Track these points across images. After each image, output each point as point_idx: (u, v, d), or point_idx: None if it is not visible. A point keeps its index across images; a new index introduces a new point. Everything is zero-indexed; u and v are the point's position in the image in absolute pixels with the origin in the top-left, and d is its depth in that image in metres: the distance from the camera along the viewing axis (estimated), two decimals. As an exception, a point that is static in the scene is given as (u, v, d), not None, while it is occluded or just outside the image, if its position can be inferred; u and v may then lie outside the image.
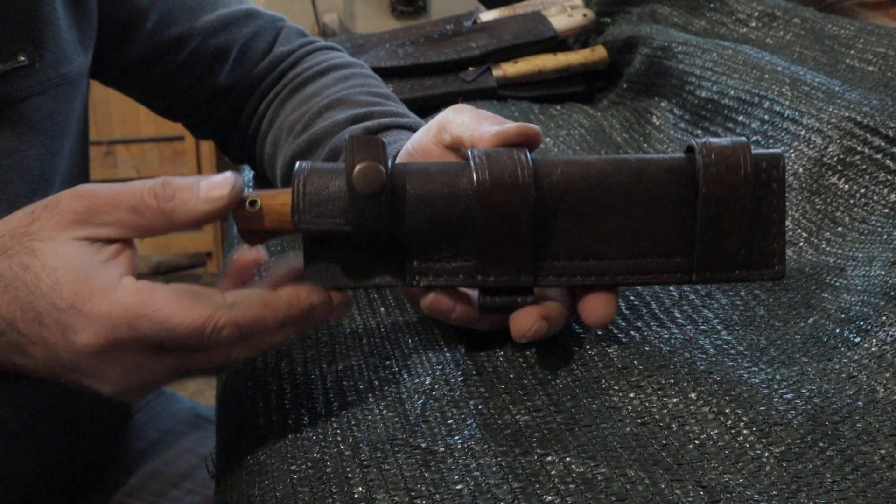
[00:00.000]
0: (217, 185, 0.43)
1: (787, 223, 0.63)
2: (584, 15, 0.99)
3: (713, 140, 0.46)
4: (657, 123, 0.82)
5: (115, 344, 0.41)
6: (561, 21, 0.98)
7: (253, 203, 0.44)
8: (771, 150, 0.47)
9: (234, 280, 0.47)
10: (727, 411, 0.43)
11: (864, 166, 0.61)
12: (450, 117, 0.50)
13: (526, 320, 0.46)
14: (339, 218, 0.43)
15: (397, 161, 0.53)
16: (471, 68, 0.95)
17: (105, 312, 0.40)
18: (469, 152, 0.45)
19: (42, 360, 0.43)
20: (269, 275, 0.47)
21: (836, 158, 0.63)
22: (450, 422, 0.45)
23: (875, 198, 0.60)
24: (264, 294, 0.43)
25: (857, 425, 0.42)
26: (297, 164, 0.44)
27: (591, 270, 0.46)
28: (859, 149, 0.62)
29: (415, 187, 0.44)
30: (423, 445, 0.43)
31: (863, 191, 0.61)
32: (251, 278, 0.47)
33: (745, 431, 0.42)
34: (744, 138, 0.46)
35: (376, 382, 0.48)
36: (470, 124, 0.49)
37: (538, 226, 0.45)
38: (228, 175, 0.44)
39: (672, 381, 0.46)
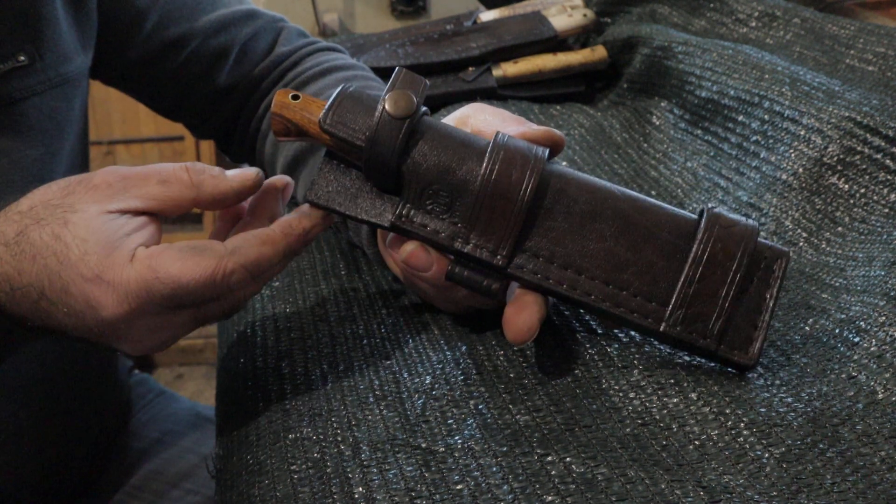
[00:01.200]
0: (245, 171, 0.47)
1: (787, 223, 0.63)
2: (584, 15, 0.99)
3: (726, 211, 0.46)
4: (657, 123, 0.82)
5: (135, 312, 0.43)
6: (561, 21, 0.98)
7: (295, 97, 0.48)
8: (779, 247, 0.47)
9: (229, 220, 0.50)
10: (727, 412, 0.43)
11: (864, 166, 0.61)
12: (469, 113, 0.52)
13: (526, 327, 0.45)
14: (358, 132, 0.46)
15: None
16: (471, 68, 0.95)
17: (123, 284, 0.43)
18: (496, 136, 0.46)
19: (71, 325, 0.45)
20: (251, 209, 0.50)
21: (836, 158, 0.63)
22: (450, 422, 0.45)
23: (875, 198, 0.60)
24: (260, 233, 0.46)
25: (857, 427, 0.42)
26: (344, 84, 0.48)
27: (565, 279, 0.46)
28: (859, 149, 0.62)
29: (435, 134, 0.47)
30: (424, 445, 0.43)
31: (863, 191, 0.61)
32: (243, 215, 0.50)
33: (745, 432, 0.42)
34: (755, 224, 0.46)
35: (377, 382, 0.48)
36: (493, 122, 0.51)
37: (532, 214, 0.46)
38: (255, 168, 0.47)
39: (672, 381, 0.46)
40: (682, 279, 0.45)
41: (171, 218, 0.47)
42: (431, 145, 0.46)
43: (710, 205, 0.48)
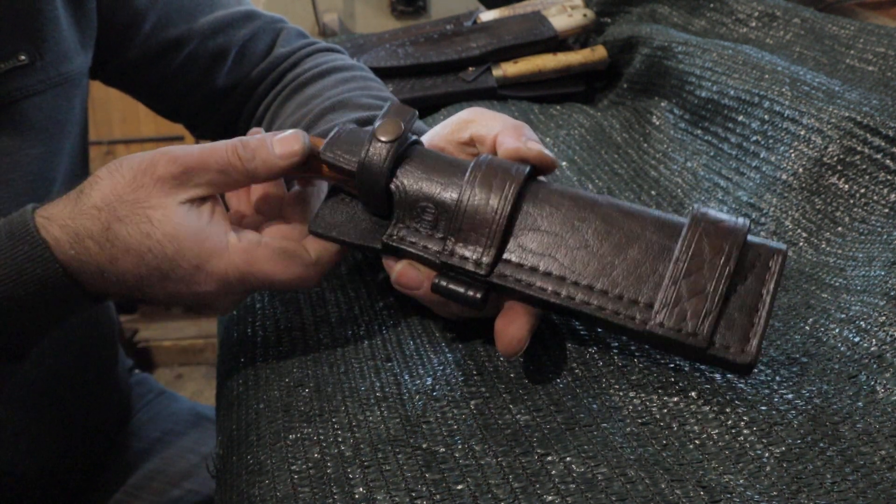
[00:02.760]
0: (288, 141, 0.50)
1: (787, 223, 0.63)
2: (584, 15, 0.99)
3: (714, 210, 0.46)
4: (657, 123, 0.82)
5: (228, 290, 0.49)
6: (561, 21, 0.98)
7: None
8: (774, 244, 0.45)
9: (263, 210, 0.54)
10: (728, 410, 0.43)
11: (864, 166, 0.61)
12: (471, 118, 0.53)
13: (517, 339, 0.46)
14: (352, 158, 0.49)
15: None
16: (471, 68, 0.95)
17: (223, 271, 0.48)
18: (478, 157, 0.49)
19: (163, 298, 0.50)
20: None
21: (836, 158, 0.63)
22: (451, 422, 0.45)
23: (875, 198, 0.60)
24: (338, 245, 0.51)
25: (858, 426, 0.42)
26: (343, 123, 0.53)
27: (548, 286, 0.46)
28: (859, 149, 0.62)
29: (422, 156, 0.50)
30: (424, 446, 0.43)
31: (863, 191, 0.61)
32: (274, 208, 0.54)
33: (745, 431, 0.42)
34: (745, 220, 0.45)
35: (377, 384, 0.48)
36: (494, 127, 0.51)
37: (513, 226, 0.47)
38: (296, 131, 0.51)
39: (672, 379, 0.46)
40: (667, 276, 0.45)
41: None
42: (418, 165, 0.49)
43: (696, 205, 0.47)
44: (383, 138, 0.49)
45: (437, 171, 0.49)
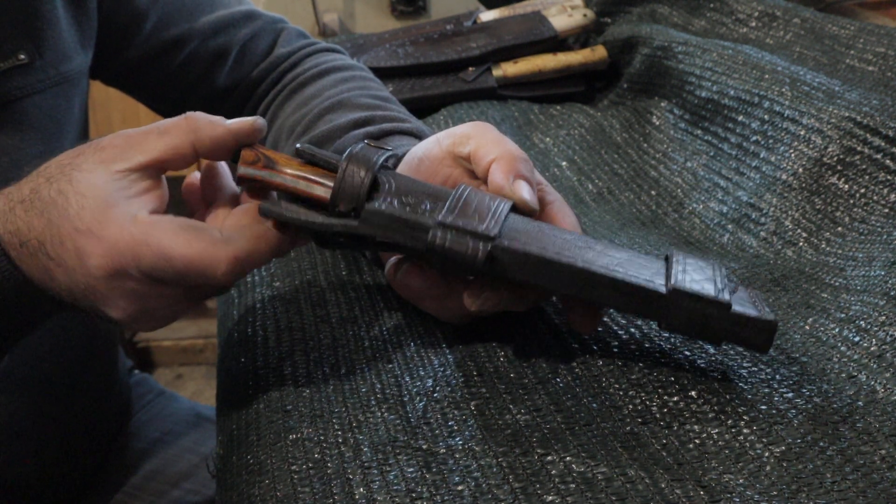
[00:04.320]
0: (243, 118, 0.48)
1: (787, 223, 0.63)
2: (584, 15, 0.99)
3: (687, 288, 0.43)
4: (657, 123, 0.82)
5: (119, 271, 0.44)
6: (561, 21, 0.98)
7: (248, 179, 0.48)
8: (764, 318, 0.43)
9: (206, 194, 0.50)
10: (728, 410, 0.43)
11: (864, 166, 0.61)
12: (472, 133, 0.51)
13: (475, 290, 0.46)
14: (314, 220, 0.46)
15: (401, 166, 0.53)
16: (471, 68, 0.95)
17: (114, 240, 0.43)
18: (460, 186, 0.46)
19: (64, 284, 0.46)
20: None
21: (836, 158, 0.63)
22: (451, 423, 0.45)
23: (875, 198, 0.60)
24: (256, 227, 0.46)
25: (858, 425, 0.42)
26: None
27: (563, 256, 0.44)
28: (859, 149, 0.62)
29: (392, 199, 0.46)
30: (425, 447, 0.43)
31: (863, 191, 0.61)
32: (220, 194, 0.50)
33: (745, 431, 0.42)
34: (727, 300, 0.43)
35: (378, 385, 0.48)
36: (491, 152, 0.49)
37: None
38: (255, 116, 0.48)
39: (672, 378, 0.46)
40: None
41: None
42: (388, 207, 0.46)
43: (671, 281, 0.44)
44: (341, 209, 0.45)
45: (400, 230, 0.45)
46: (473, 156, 0.50)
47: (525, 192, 0.47)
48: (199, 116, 0.47)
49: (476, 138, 0.50)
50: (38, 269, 0.46)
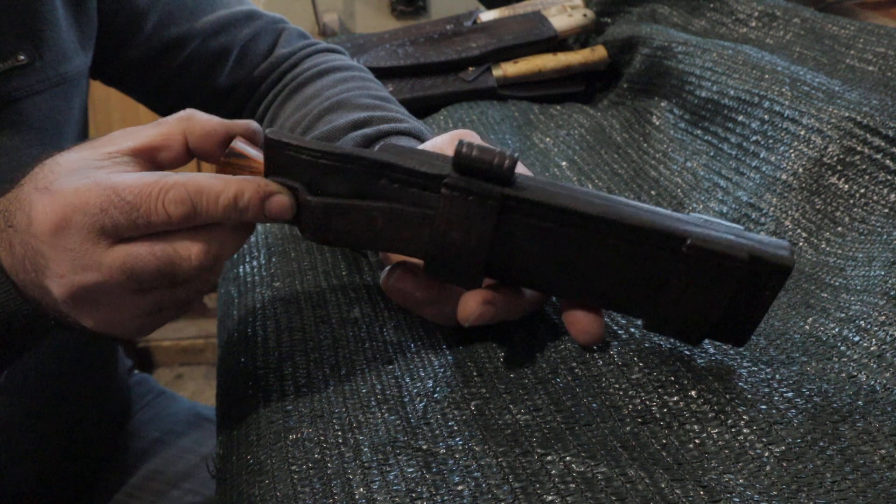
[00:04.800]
0: (237, 121, 0.46)
1: (787, 223, 0.63)
2: (584, 15, 0.99)
3: (708, 236, 0.42)
4: (657, 123, 0.82)
5: (63, 224, 0.40)
6: (561, 21, 0.98)
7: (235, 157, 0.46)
8: (781, 254, 0.42)
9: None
10: (728, 410, 0.43)
11: (864, 166, 0.61)
12: (463, 135, 0.51)
13: (472, 302, 0.46)
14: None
15: None
16: (471, 68, 0.95)
17: (63, 191, 0.40)
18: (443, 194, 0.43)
19: (20, 256, 0.42)
20: None
21: (836, 158, 0.63)
22: (451, 423, 0.45)
23: (875, 198, 0.60)
24: (214, 173, 0.43)
25: (858, 425, 0.42)
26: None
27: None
28: (859, 149, 0.62)
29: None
30: (425, 447, 0.43)
31: (863, 191, 0.61)
32: None
33: (745, 430, 0.42)
34: (747, 245, 0.42)
35: (378, 386, 0.48)
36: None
37: (489, 265, 0.45)
38: (248, 120, 0.46)
39: (672, 378, 0.46)
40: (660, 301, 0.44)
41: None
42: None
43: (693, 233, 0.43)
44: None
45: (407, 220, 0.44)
46: None
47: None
48: (196, 111, 0.46)
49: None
50: (4, 246, 0.43)
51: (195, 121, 0.45)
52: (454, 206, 0.43)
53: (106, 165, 0.42)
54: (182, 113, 0.46)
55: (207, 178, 0.42)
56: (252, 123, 0.47)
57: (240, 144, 0.46)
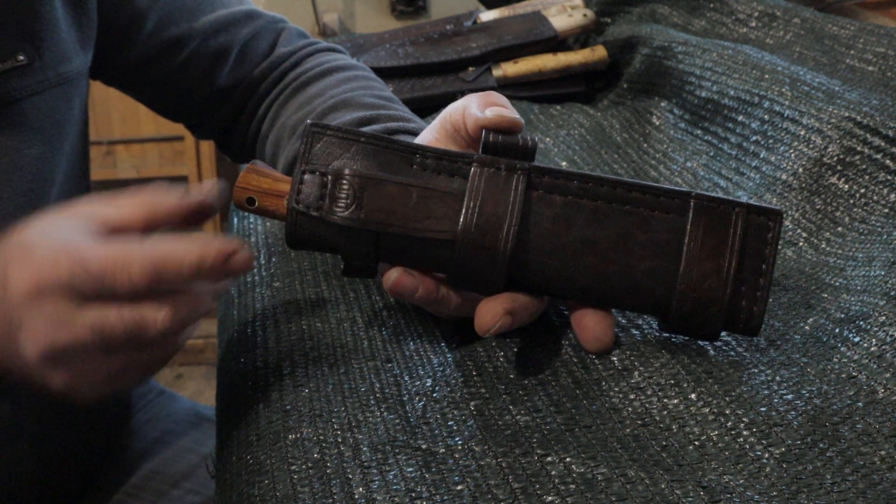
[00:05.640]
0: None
1: (787, 223, 0.63)
2: (584, 15, 0.99)
3: (708, 195, 0.47)
4: (657, 123, 0.82)
5: (39, 286, 0.42)
6: (561, 21, 0.98)
7: (251, 201, 0.49)
8: (770, 206, 0.48)
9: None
10: (727, 412, 0.43)
11: (864, 166, 0.61)
12: (449, 110, 0.52)
13: (489, 315, 0.46)
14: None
15: None
16: (471, 68, 0.95)
17: (37, 253, 0.43)
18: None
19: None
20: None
21: (836, 158, 0.63)
22: (450, 423, 0.45)
23: (875, 198, 0.60)
24: (178, 238, 0.44)
25: (858, 426, 0.42)
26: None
27: (566, 291, 0.47)
28: (859, 149, 0.62)
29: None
30: (424, 447, 0.43)
31: (863, 191, 0.61)
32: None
33: (745, 432, 0.42)
34: (741, 203, 0.47)
35: (377, 385, 0.48)
36: (460, 106, 0.51)
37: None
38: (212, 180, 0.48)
39: (672, 381, 0.46)
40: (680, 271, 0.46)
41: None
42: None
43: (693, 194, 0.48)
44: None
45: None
46: (454, 123, 0.51)
47: (502, 111, 0.48)
48: (158, 193, 0.47)
49: (450, 111, 0.52)
50: None
51: (157, 193, 0.46)
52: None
53: (84, 228, 0.44)
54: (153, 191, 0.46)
55: (171, 246, 0.43)
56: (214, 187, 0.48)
57: (259, 163, 0.49)
